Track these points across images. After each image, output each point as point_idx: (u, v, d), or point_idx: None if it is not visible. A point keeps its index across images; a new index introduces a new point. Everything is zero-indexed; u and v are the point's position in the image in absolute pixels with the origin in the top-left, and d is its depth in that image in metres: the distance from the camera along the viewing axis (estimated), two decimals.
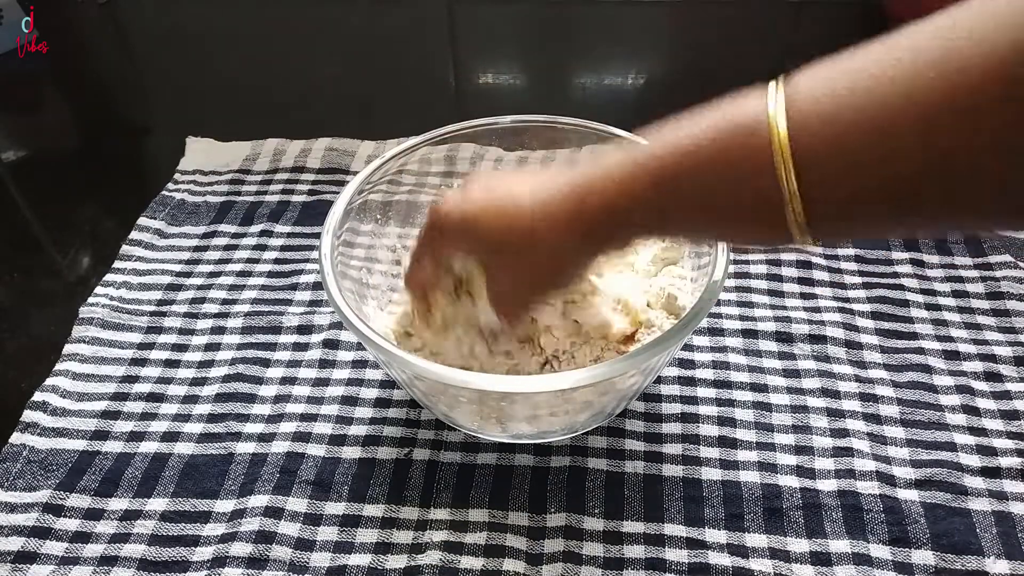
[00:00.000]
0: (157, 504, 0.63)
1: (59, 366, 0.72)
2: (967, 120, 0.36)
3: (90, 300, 0.78)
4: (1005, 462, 0.63)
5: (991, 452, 0.64)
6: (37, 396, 0.69)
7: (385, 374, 0.71)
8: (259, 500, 0.62)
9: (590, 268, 0.58)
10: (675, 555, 0.59)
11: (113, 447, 0.67)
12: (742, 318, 0.75)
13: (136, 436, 0.67)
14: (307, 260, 0.82)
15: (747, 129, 0.42)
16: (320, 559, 0.60)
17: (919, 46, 0.38)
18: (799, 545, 0.59)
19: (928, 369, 0.70)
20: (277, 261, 0.82)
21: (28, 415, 0.68)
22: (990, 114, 0.35)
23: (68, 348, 0.74)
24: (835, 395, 0.68)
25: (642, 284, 0.69)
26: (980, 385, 0.69)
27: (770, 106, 0.41)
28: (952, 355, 0.71)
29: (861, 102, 0.39)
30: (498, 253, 0.55)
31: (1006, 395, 0.68)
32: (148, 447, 0.67)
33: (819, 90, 0.41)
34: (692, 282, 0.67)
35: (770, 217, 0.42)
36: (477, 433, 0.65)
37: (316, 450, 0.66)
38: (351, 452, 0.66)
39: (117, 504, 0.63)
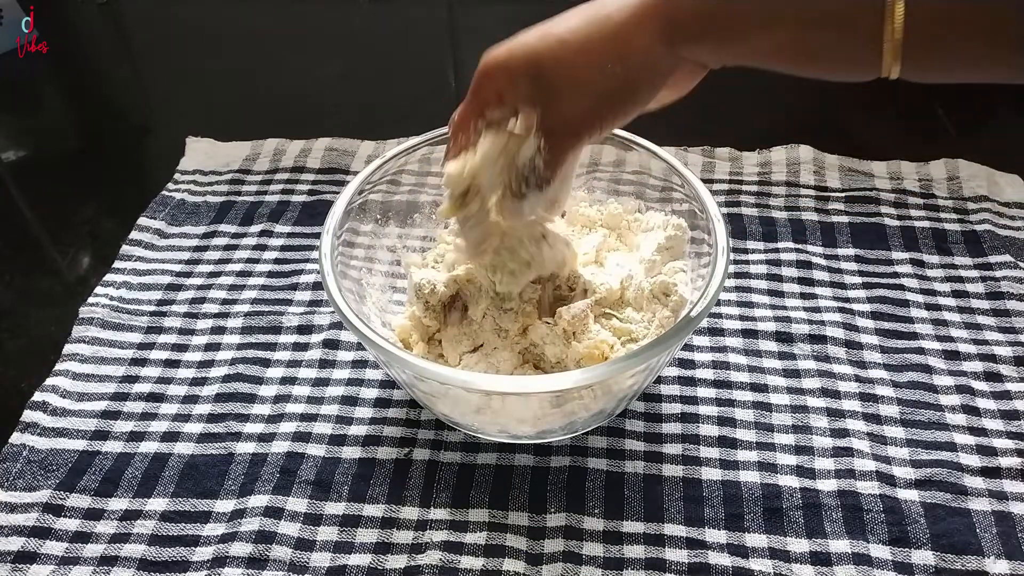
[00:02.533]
0: (157, 504, 0.63)
1: (59, 366, 0.72)
2: None
3: (90, 300, 0.78)
4: (1005, 462, 0.63)
5: (991, 452, 0.64)
6: (37, 396, 0.69)
7: (385, 374, 0.71)
8: (259, 500, 0.62)
9: (662, 76, 0.51)
10: (675, 555, 0.59)
11: (113, 447, 0.67)
12: (742, 318, 0.75)
13: (136, 436, 0.67)
14: (307, 260, 0.82)
15: None
16: (320, 559, 0.60)
17: None
18: (799, 545, 0.59)
19: (928, 369, 0.70)
20: (277, 261, 0.82)
21: (28, 415, 0.68)
22: None
23: (68, 348, 0.74)
24: (835, 395, 0.68)
25: (640, 273, 0.68)
26: (980, 385, 0.69)
27: None
28: (952, 355, 0.71)
29: None
30: (559, 67, 0.50)
31: (1006, 395, 0.68)
32: (148, 447, 0.67)
33: None
34: (692, 282, 0.67)
35: (868, 27, 0.41)
36: (477, 433, 0.65)
37: (316, 450, 0.66)
38: (351, 452, 0.66)
39: (117, 504, 0.63)
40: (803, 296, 0.76)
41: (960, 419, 0.66)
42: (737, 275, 0.79)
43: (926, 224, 0.83)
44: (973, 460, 0.63)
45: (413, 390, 0.62)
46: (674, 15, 0.46)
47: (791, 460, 0.64)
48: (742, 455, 0.65)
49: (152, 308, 0.78)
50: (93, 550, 0.60)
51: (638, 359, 0.54)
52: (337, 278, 0.61)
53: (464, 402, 0.60)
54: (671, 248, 0.69)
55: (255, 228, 0.86)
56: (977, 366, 0.70)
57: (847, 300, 0.76)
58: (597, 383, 0.55)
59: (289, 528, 0.61)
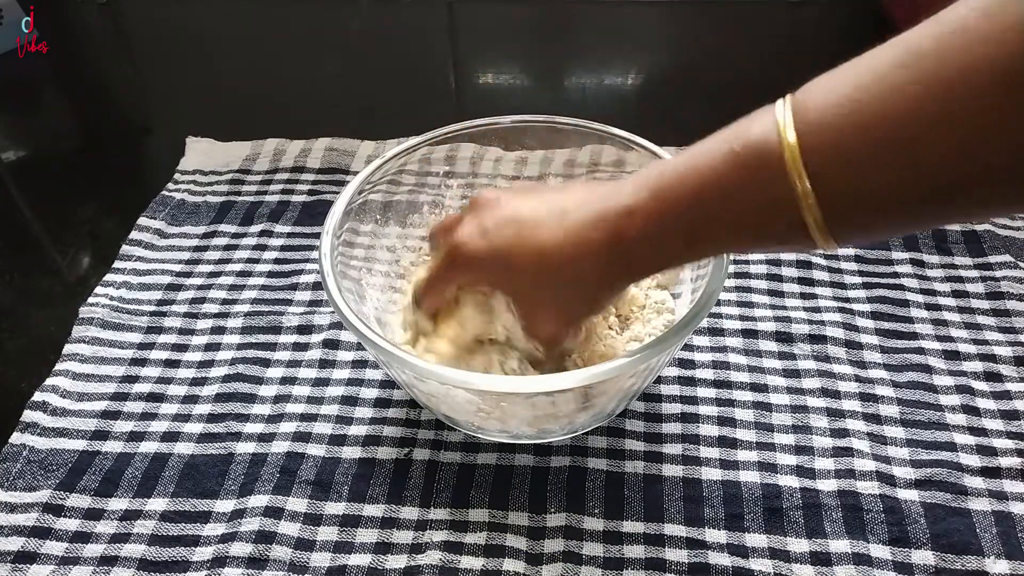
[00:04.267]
0: (157, 504, 0.63)
1: (59, 366, 0.72)
2: (986, 101, 0.36)
3: (90, 300, 0.78)
4: (1005, 462, 0.63)
5: (991, 452, 0.64)
6: (37, 396, 0.69)
7: (385, 374, 0.71)
8: (259, 500, 0.62)
9: (621, 291, 0.58)
10: (675, 555, 0.59)
11: (113, 447, 0.67)
12: (742, 318, 0.75)
13: (136, 436, 0.67)
14: (307, 260, 0.82)
15: (760, 142, 0.43)
16: (320, 559, 0.60)
17: (921, 43, 0.38)
18: (799, 545, 0.59)
19: (928, 369, 0.70)
20: (277, 261, 0.82)
21: (28, 415, 0.68)
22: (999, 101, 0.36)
23: (68, 348, 0.74)
24: (835, 395, 0.68)
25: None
26: (980, 385, 0.69)
27: (779, 117, 0.42)
28: (952, 355, 0.71)
29: (867, 98, 0.39)
30: (533, 289, 0.55)
31: (1006, 395, 0.68)
32: (148, 447, 0.67)
33: (824, 94, 0.41)
34: (692, 282, 0.67)
35: (792, 225, 0.43)
36: (477, 433, 0.65)
37: (316, 450, 0.66)
38: (351, 452, 0.66)
39: (117, 504, 0.63)
40: (803, 296, 0.76)
41: (960, 419, 0.66)
42: (737, 275, 0.79)
43: None
44: (973, 460, 0.63)
45: (413, 390, 0.62)
46: (627, 258, 0.51)
47: (791, 460, 0.64)
48: (742, 455, 0.65)
49: (152, 308, 0.78)
50: (93, 550, 0.60)
51: (638, 359, 0.54)
52: (337, 278, 0.61)
53: (464, 402, 0.60)
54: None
55: (255, 228, 0.86)
56: (977, 366, 0.70)
57: (847, 300, 0.76)
58: (597, 383, 0.55)
59: (289, 528, 0.61)
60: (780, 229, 0.44)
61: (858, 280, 0.78)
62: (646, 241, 0.49)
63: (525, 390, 0.54)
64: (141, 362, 0.73)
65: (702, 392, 0.69)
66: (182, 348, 0.74)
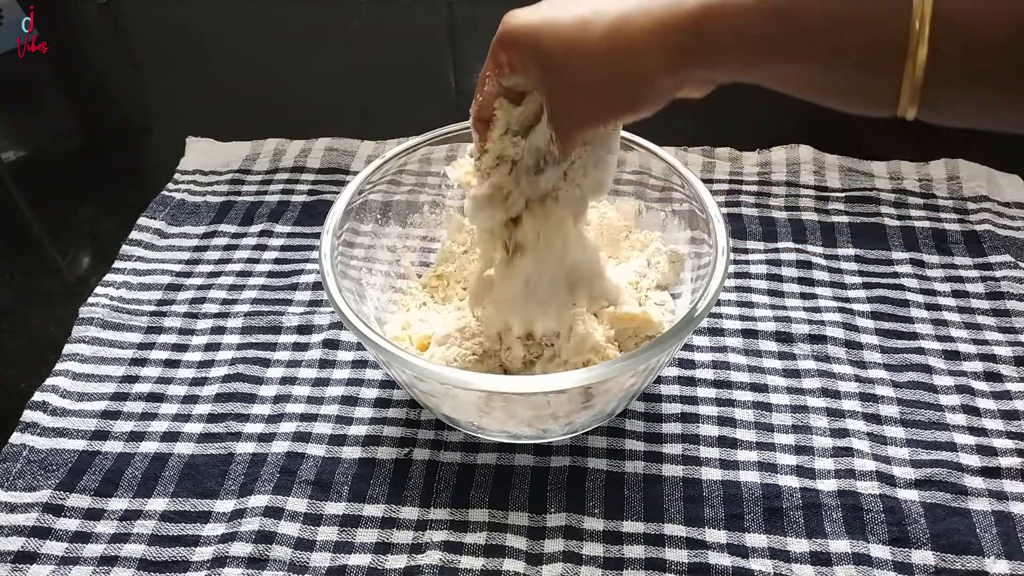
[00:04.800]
0: (157, 504, 0.63)
1: (59, 366, 0.72)
2: None
3: (90, 300, 0.78)
4: (1005, 462, 0.63)
5: (991, 452, 0.64)
6: (37, 396, 0.69)
7: (385, 374, 0.71)
8: (259, 500, 0.62)
9: (666, 95, 0.49)
10: (675, 555, 0.59)
11: (113, 447, 0.67)
12: (742, 318, 0.75)
13: (136, 436, 0.67)
14: (307, 260, 0.82)
15: None
16: (320, 559, 0.60)
17: None
18: (799, 545, 0.59)
19: (928, 369, 0.70)
20: (277, 261, 0.82)
21: (28, 415, 0.68)
22: None
23: (68, 348, 0.74)
24: (835, 395, 0.68)
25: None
26: (980, 385, 0.69)
27: None
28: (952, 355, 0.71)
29: None
30: (576, 69, 0.49)
31: (1006, 395, 0.68)
32: (148, 447, 0.67)
33: None
34: (692, 282, 0.67)
35: (889, 66, 0.41)
36: (477, 433, 0.65)
37: (316, 450, 0.66)
38: (351, 452, 0.66)
39: (117, 504, 0.63)
40: (803, 296, 0.76)
41: (960, 419, 0.66)
42: (737, 275, 0.79)
43: (926, 224, 0.83)
44: (973, 460, 0.63)
45: (413, 390, 0.62)
46: (689, 41, 0.45)
47: (791, 460, 0.64)
48: (742, 455, 0.65)
49: (152, 308, 0.78)
50: (93, 550, 0.60)
51: (638, 359, 0.54)
52: (337, 278, 0.61)
53: (465, 401, 0.60)
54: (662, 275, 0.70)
55: (255, 228, 0.86)
56: (977, 366, 0.70)
57: (847, 300, 0.76)
58: (596, 383, 0.55)
59: (289, 528, 0.61)
60: (874, 63, 0.41)
61: (858, 280, 0.78)
62: (712, 14, 0.44)
63: (525, 390, 0.54)
64: (141, 362, 0.73)
65: (702, 392, 0.69)
66: (182, 348, 0.74)
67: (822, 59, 0.43)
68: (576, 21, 0.47)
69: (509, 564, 0.59)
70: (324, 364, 0.72)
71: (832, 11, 0.42)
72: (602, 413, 0.63)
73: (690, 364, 0.71)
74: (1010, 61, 0.39)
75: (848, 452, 0.64)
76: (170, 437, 0.67)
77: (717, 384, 0.70)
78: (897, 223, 0.83)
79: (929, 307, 0.75)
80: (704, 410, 0.68)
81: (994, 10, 0.38)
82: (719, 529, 0.60)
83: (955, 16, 0.39)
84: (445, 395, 0.60)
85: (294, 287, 0.79)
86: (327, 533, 0.61)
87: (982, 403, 0.67)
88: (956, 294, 0.76)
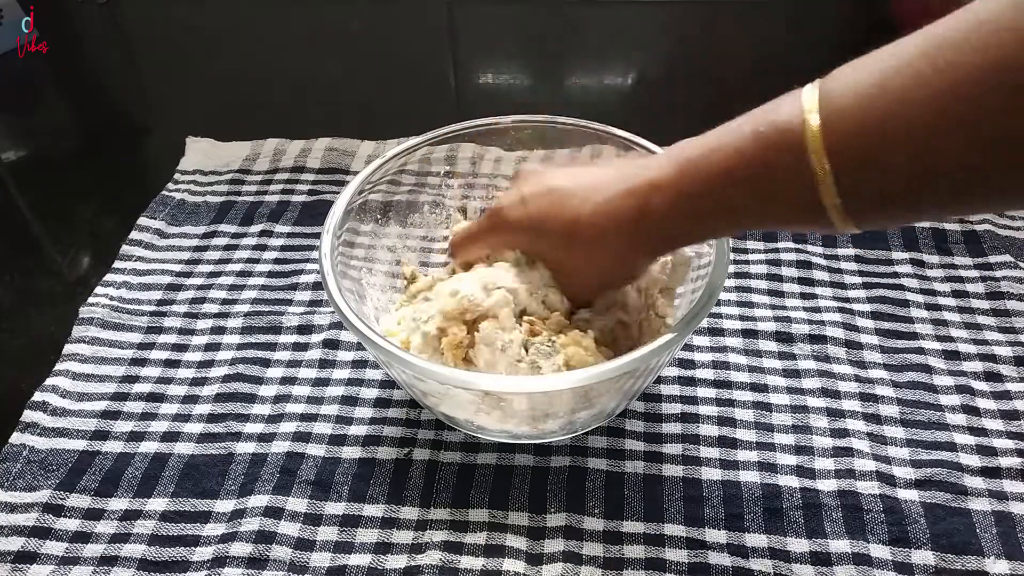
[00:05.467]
0: (157, 504, 0.63)
1: (59, 366, 0.72)
2: (1009, 98, 0.37)
3: (90, 300, 0.78)
4: (1005, 462, 0.63)
5: (991, 452, 0.64)
6: (37, 396, 0.69)
7: (385, 374, 0.71)
8: (259, 500, 0.62)
9: (646, 265, 0.61)
10: (675, 555, 0.59)
11: (113, 447, 0.67)
12: (742, 318, 0.75)
13: (136, 436, 0.67)
14: (307, 260, 0.82)
15: (785, 124, 0.44)
16: (320, 559, 0.60)
17: (947, 34, 0.39)
18: (799, 545, 0.59)
19: (928, 369, 0.70)
20: (277, 261, 0.82)
21: (28, 415, 0.68)
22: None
23: (68, 348, 0.74)
24: (835, 395, 0.68)
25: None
26: (980, 385, 0.69)
27: (805, 101, 0.43)
28: (952, 355, 0.71)
29: (890, 85, 0.40)
30: (565, 250, 0.59)
31: (1006, 395, 0.68)
32: (148, 447, 0.67)
33: (850, 81, 0.42)
34: (692, 282, 0.67)
35: (813, 206, 0.44)
36: (477, 433, 0.65)
37: (316, 450, 0.66)
38: (351, 452, 0.66)
39: (117, 504, 0.63)
40: (803, 296, 0.76)
41: (960, 419, 0.66)
42: (737, 275, 0.79)
43: (926, 224, 0.83)
44: (973, 460, 0.63)
45: (413, 389, 0.62)
46: (646, 235, 0.54)
47: (791, 460, 0.64)
48: (742, 455, 0.65)
49: (152, 308, 0.78)
50: (93, 550, 0.60)
51: (638, 360, 0.54)
52: (337, 278, 0.61)
53: (464, 400, 0.60)
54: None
55: (255, 228, 0.86)
56: (977, 366, 0.70)
57: (847, 300, 0.76)
58: (597, 383, 0.55)
59: (289, 528, 0.61)
60: (801, 209, 0.45)
61: (858, 280, 0.78)
62: (671, 214, 0.51)
63: (525, 390, 0.54)
64: (141, 362, 0.73)
65: (702, 392, 0.69)
66: (182, 348, 0.74)
67: (762, 218, 0.50)
68: (570, 215, 0.57)
69: (509, 564, 0.59)
70: (324, 364, 0.72)
71: (755, 179, 0.47)
72: (602, 413, 0.63)
73: (690, 364, 0.71)
74: (908, 199, 0.43)
75: (848, 452, 0.64)
76: (170, 437, 0.67)
77: (717, 384, 0.70)
78: None
79: (929, 307, 0.75)
80: (704, 410, 0.68)
81: (885, 162, 0.41)
82: (719, 529, 0.60)
83: (848, 144, 0.42)
84: (445, 394, 0.60)
85: (294, 287, 0.79)
86: (327, 533, 0.61)
87: (982, 403, 0.67)
88: (956, 294, 0.76)
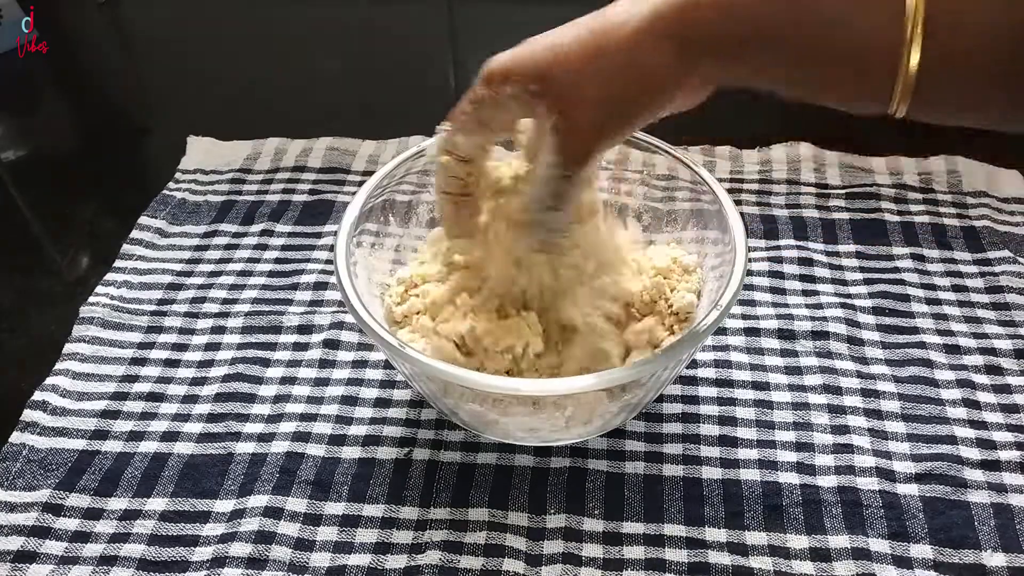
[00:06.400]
0: (156, 504, 0.63)
1: (59, 365, 0.72)
2: None
3: (90, 299, 0.78)
4: (1005, 455, 0.63)
5: (991, 445, 0.64)
6: (37, 395, 0.69)
7: (386, 374, 0.71)
8: (259, 500, 0.62)
9: (671, 91, 0.49)
10: (675, 555, 0.59)
11: (113, 447, 0.67)
12: (744, 316, 0.75)
13: (136, 436, 0.67)
14: (308, 260, 0.82)
15: None
16: (320, 559, 0.60)
17: None
18: (799, 542, 0.59)
19: (929, 363, 0.70)
20: (278, 261, 0.82)
21: (28, 414, 0.68)
22: None
23: (68, 347, 0.74)
24: (836, 391, 0.68)
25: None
26: (981, 379, 0.69)
27: None
28: (953, 349, 0.71)
29: None
30: (579, 77, 0.49)
31: (1006, 388, 0.68)
32: (148, 447, 0.67)
33: None
34: (706, 281, 0.67)
35: (884, 63, 0.42)
36: (484, 433, 0.65)
37: (316, 450, 0.66)
38: (351, 452, 0.66)
39: (116, 504, 0.63)
40: (805, 293, 0.76)
41: (961, 412, 0.66)
42: None
43: (926, 219, 0.83)
44: (973, 453, 0.63)
45: (438, 402, 0.62)
46: (686, 32, 0.46)
47: (791, 457, 0.64)
48: (742, 453, 0.65)
49: (152, 308, 0.78)
50: (93, 550, 0.60)
51: (645, 368, 0.55)
52: (352, 278, 0.61)
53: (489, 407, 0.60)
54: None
55: (256, 227, 0.86)
56: (978, 360, 0.70)
57: (848, 296, 0.76)
58: (603, 389, 0.55)
59: (289, 528, 0.61)
60: (870, 66, 0.42)
61: (859, 276, 0.78)
62: (718, 13, 0.45)
63: (543, 392, 0.55)
64: (141, 362, 0.73)
65: (703, 391, 0.69)
66: (182, 348, 0.74)
67: (817, 60, 0.44)
68: (573, 40, 0.49)
69: (509, 564, 0.59)
70: (324, 364, 0.72)
71: (828, 16, 0.43)
72: (608, 425, 0.64)
73: (692, 363, 0.71)
74: (998, 65, 0.40)
75: (848, 448, 0.64)
76: (170, 437, 0.67)
77: (719, 383, 0.70)
78: (897, 218, 0.83)
79: (930, 302, 0.75)
80: (705, 409, 0.68)
81: (982, 16, 0.39)
82: (719, 528, 0.60)
83: (946, 20, 0.40)
84: (478, 398, 0.59)
85: (295, 287, 0.79)
86: (327, 533, 0.61)
87: (982, 396, 0.67)
88: (956, 288, 0.76)
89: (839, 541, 0.59)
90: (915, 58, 0.41)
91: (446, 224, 0.63)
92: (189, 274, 0.81)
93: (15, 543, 0.60)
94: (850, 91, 0.45)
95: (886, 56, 0.41)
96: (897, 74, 0.41)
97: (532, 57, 0.50)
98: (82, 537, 0.61)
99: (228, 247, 0.84)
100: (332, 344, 0.73)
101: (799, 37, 0.44)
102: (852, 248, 0.80)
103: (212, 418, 0.68)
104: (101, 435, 0.67)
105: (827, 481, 0.62)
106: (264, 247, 0.84)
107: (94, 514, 0.62)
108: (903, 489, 0.62)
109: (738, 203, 0.85)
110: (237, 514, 0.62)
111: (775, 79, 0.47)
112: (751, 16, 0.44)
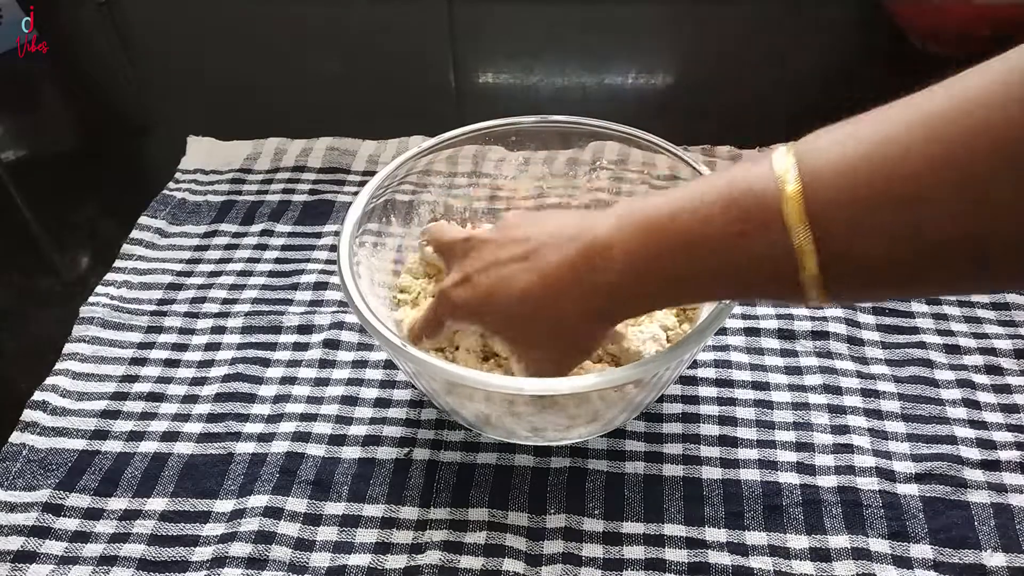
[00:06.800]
0: (156, 504, 0.63)
1: (59, 365, 0.72)
2: (993, 171, 0.36)
3: (90, 299, 0.78)
4: (1005, 455, 0.63)
5: (991, 445, 0.64)
6: (37, 395, 0.69)
7: (386, 374, 0.71)
8: (259, 500, 0.62)
9: (604, 336, 0.56)
10: (675, 555, 0.59)
11: (113, 447, 0.67)
12: (744, 316, 0.75)
13: (136, 436, 0.67)
14: (308, 260, 0.82)
15: (761, 189, 0.42)
16: (320, 559, 0.59)
17: (935, 104, 0.38)
18: (799, 542, 0.59)
19: (929, 363, 0.70)
20: (278, 261, 0.82)
21: (28, 414, 0.68)
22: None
23: (68, 347, 0.74)
24: (836, 391, 0.68)
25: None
26: (981, 379, 0.69)
27: (779, 165, 0.41)
28: (953, 349, 0.71)
29: (875, 153, 0.39)
30: (520, 331, 0.54)
31: (1006, 388, 0.68)
32: (148, 447, 0.67)
33: (829, 146, 0.41)
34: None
35: (787, 277, 0.42)
36: (487, 432, 0.65)
37: (316, 450, 0.66)
38: (351, 452, 0.66)
39: (116, 504, 0.63)
40: None
41: (961, 412, 0.66)
42: None
43: None
44: (973, 453, 0.63)
45: (440, 399, 0.62)
46: (611, 312, 0.51)
47: (792, 457, 0.64)
48: (743, 453, 0.65)
49: (152, 308, 0.78)
50: (92, 550, 0.60)
51: (648, 367, 0.55)
52: (355, 279, 0.61)
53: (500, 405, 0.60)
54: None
55: (256, 227, 0.86)
56: (978, 360, 0.70)
57: None
58: (607, 388, 0.55)
59: (289, 528, 0.61)
60: (774, 280, 0.43)
61: None
62: (626, 279, 0.48)
63: (552, 391, 0.55)
64: (141, 362, 0.73)
65: (703, 391, 0.69)
66: (182, 348, 0.74)
67: (727, 288, 0.48)
68: (519, 295, 0.52)
69: (509, 564, 0.59)
70: (324, 364, 0.72)
71: (721, 246, 0.44)
72: (610, 424, 0.63)
73: (692, 363, 0.71)
74: (900, 266, 0.40)
75: (848, 448, 0.64)
76: (170, 437, 0.67)
77: (719, 383, 0.70)
78: None
79: (929, 301, 0.75)
80: (705, 409, 0.68)
81: (874, 219, 0.39)
82: (719, 528, 0.60)
83: (837, 228, 0.40)
84: (487, 400, 0.59)
85: (295, 287, 0.79)
86: (327, 533, 0.61)
87: (982, 396, 0.67)
88: None
89: (839, 541, 0.59)
90: (811, 263, 0.41)
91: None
92: (189, 274, 0.81)
93: (15, 543, 0.60)
94: (765, 296, 0.49)
95: (785, 267, 0.42)
96: (800, 279, 0.42)
97: (485, 319, 0.56)
98: (82, 537, 0.61)
99: (228, 247, 0.84)
100: (332, 344, 0.73)
101: (706, 282, 0.47)
102: None
103: (212, 418, 0.68)
104: (101, 435, 0.67)
105: (827, 481, 0.62)
106: (264, 247, 0.84)
107: (94, 514, 0.62)
108: (903, 489, 0.62)
109: None
110: (237, 514, 0.62)
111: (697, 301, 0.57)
112: (656, 271, 0.47)
